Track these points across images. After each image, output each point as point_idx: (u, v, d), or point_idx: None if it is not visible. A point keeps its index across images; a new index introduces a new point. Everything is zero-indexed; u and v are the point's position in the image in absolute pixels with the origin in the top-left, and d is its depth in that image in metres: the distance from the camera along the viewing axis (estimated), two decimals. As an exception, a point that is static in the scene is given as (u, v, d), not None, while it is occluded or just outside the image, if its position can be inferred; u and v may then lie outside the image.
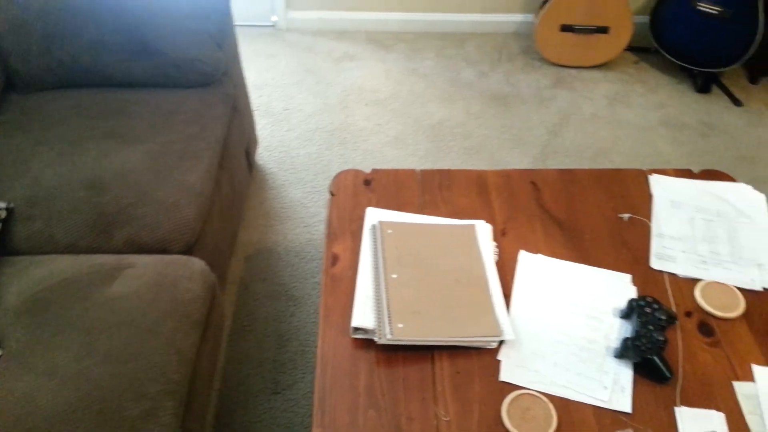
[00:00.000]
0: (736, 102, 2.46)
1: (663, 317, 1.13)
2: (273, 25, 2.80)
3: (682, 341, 1.15)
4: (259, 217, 1.97)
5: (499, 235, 1.33)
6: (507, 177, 1.47)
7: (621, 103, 2.46)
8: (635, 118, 2.39)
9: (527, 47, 2.73)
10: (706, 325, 1.18)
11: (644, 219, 1.38)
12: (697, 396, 1.08)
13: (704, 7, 2.33)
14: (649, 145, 2.28)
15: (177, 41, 1.57)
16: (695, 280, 1.25)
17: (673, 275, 1.27)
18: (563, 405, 1.05)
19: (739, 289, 1.24)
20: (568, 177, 1.48)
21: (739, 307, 1.20)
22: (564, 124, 2.36)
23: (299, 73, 2.56)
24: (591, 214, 1.39)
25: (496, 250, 1.29)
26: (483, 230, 1.31)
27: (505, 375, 1.09)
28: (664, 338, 1.10)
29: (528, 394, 1.06)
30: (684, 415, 1.04)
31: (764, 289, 1.24)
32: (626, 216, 1.39)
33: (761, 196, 1.43)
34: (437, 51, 2.71)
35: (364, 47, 2.71)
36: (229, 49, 1.69)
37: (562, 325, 1.17)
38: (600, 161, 2.21)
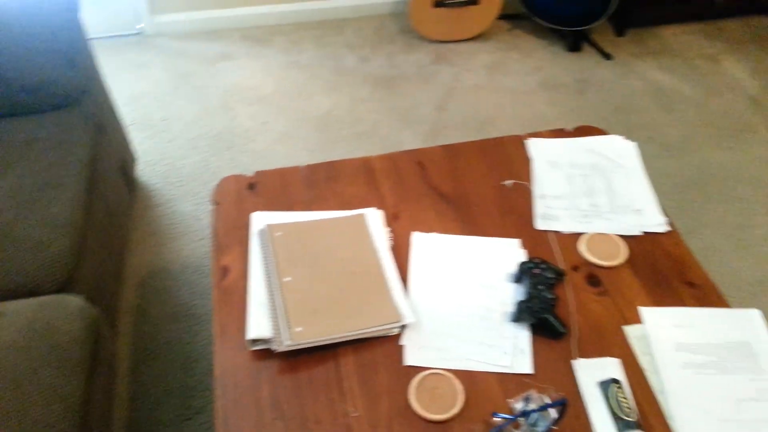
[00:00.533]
0: (607, 56, 2.58)
1: (551, 275, 1.17)
2: (140, 33, 2.66)
3: (573, 295, 1.19)
4: (149, 237, 1.87)
5: (391, 220, 1.33)
6: (393, 160, 1.47)
7: (500, 71, 2.52)
8: (515, 84, 2.46)
9: (405, 27, 2.74)
10: (594, 277, 1.23)
11: (526, 183, 1.41)
12: (593, 346, 1.12)
13: (563, -30, 2.41)
14: (531, 108, 2.35)
15: (24, 64, 1.45)
16: (579, 235, 1.30)
17: (558, 233, 1.31)
18: (469, 377, 1.06)
19: (620, 236, 1.29)
20: (452, 152, 1.49)
21: (622, 254, 1.26)
22: (449, 99, 2.39)
23: (174, 79, 2.45)
24: (477, 186, 1.41)
25: (390, 235, 1.29)
26: (374, 217, 1.30)
27: (410, 359, 1.09)
28: (554, 296, 1.14)
29: (433, 373, 1.06)
30: (581, 366, 1.08)
31: (643, 233, 1.30)
32: (509, 182, 1.42)
33: (632, 144, 1.51)
34: (316, 40, 2.67)
35: (239, 45, 2.63)
36: (85, 66, 1.58)
37: (459, 298, 1.18)
38: (487, 130, 2.26)
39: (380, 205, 1.35)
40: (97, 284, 1.32)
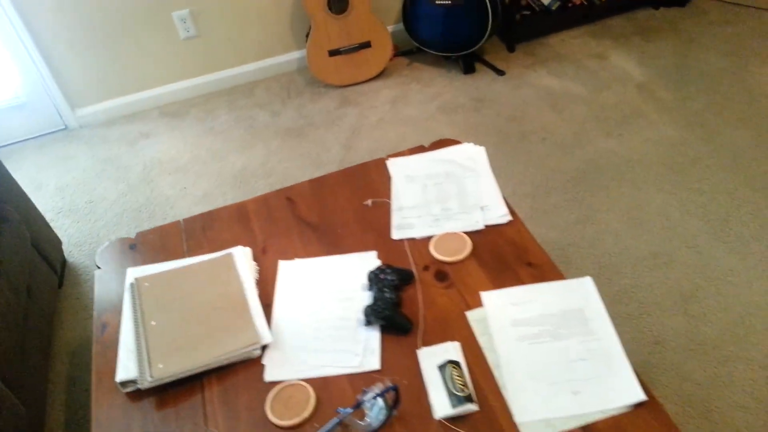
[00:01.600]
0: (500, 72, 2.73)
1: (395, 278, 1.27)
2: (65, 128, 2.83)
3: (421, 292, 1.28)
4: (79, 311, 1.97)
5: (260, 254, 1.43)
6: (265, 201, 1.58)
7: (402, 103, 2.67)
8: (416, 113, 2.60)
9: (311, 79, 2.91)
10: (441, 273, 1.33)
11: (386, 200, 1.53)
12: (437, 335, 1.20)
13: (440, 2, 2.59)
14: (432, 132, 2.48)
15: None
16: (431, 238, 1.40)
17: (412, 239, 1.41)
18: (323, 383, 1.15)
19: (466, 233, 1.40)
20: (319, 184, 1.61)
21: (467, 249, 1.36)
22: (355, 137, 2.53)
23: (98, 165, 2.60)
24: (341, 210, 1.52)
25: (257, 268, 1.39)
26: (241, 255, 1.40)
27: (269, 375, 1.18)
28: (396, 296, 1.23)
29: (289, 385, 1.15)
30: (424, 354, 1.17)
31: (486, 226, 1.41)
32: (369, 202, 1.53)
33: (481, 149, 1.63)
34: (229, 105, 2.83)
35: (157, 122, 2.79)
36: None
37: (318, 313, 1.27)
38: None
39: (250, 243, 1.46)
40: (20, 373, 1.41)
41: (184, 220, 1.56)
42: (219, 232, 1.50)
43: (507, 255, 1.34)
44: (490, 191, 1.49)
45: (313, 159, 2.45)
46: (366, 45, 2.70)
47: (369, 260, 1.38)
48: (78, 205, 2.41)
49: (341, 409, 1.07)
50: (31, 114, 2.73)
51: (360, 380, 1.15)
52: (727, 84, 2.49)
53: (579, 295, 1.24)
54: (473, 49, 2.66)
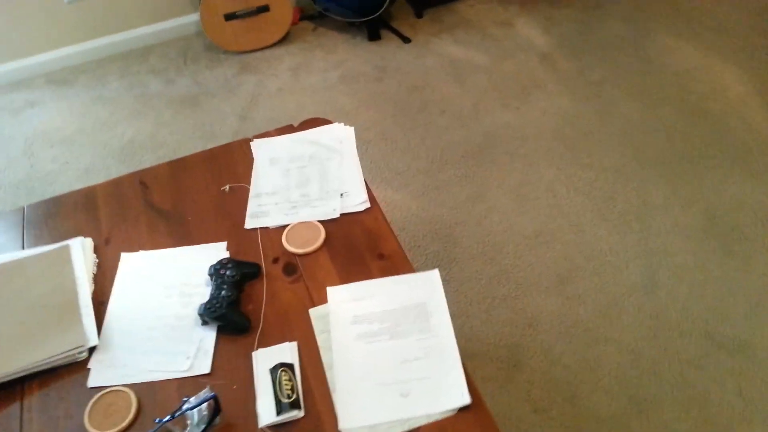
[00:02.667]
0: (405, 40, 2.65)
1: (235, 273, 1.21)
2: (-58, 95, 2.62)
3: (266, 288, 1.23)
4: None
5: (102, 246, 1.34)
6: (117, 185, 1.48)
7: (304, 71, 2.56)
8: (317, 82, 2.50)
9: (210, 44, 2.76)
10: (291, 266, 1.27)
11: (245, 185, 1.45)
12: (277, 334, 1.15)
13: (341, -37, 2.47)
14: (330, 103, 2.40)
15: None
16: (286, 227, 1.34)
17: (265, 229, 1.35)
18: (148, 389, 1.09)
19: (321, 222, 1.34)
20: (178, 166, 1.52)
21: (320, 239, 1.30)
22: (253, 106, 2.42)
23: (-25, 136, 2.42)
24: (197, 197, 1.43)
25: (96, 261, 1.31)
26: (79, 247, 1.31)
27: (93, 380, 1.11)
28: (234, 293, 1.17)
29: (111, 391, 1.09)
30: (259, 356, 1.12)
31: (341, 215, 1.35)
32: (227, 187, 1.45)
33: (350, 130, 1.56)
34: (121, 71, 2.67)
35: (44, 90, 2.61)
36: None
37: (156, 311, 1.21)
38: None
39: (94, 233, 1.36)
40: None
41: (28, 206, 1.45)
42: (62, 221, 1.41)
43: (360, 246, 1.30)
44: (353, 176, 1.43)
45: (206, 131, 2.34)
46: (264, 9, 2.57)
47: (218, 252, 1.31)
48: (-51, 182, 2.25)
49: (159, 419, 1.02)
50: None
51: (189, 385, 1.10)
52: (626, 54, 2.47)
53: (424, 289, 1.21)
54: (375, 15, 2.56)
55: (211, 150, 1.57)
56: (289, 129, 1.61)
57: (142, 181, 1.49)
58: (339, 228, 1.34)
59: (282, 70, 2.58)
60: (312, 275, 1.26)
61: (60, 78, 2.67)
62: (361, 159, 2.05)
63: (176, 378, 1.11)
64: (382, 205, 1.98)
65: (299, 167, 1.48)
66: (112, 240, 1.36)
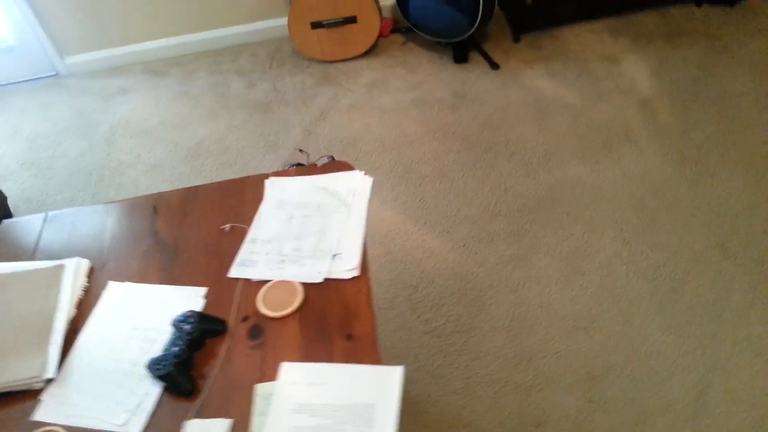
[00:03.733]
0: (494, 66, 2.46)
1: (193, 330, 1.16)
2: (56, 74, 2.84)
3: (225, 350, 1.17)
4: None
5: (98, 269, 1.36)
6: (132, 206, 1.50)
7: (380, 89, 2.47)
8: (390, 102, 2.40)
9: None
10: (257, 328, 1.20)
11: (245, 226, 1.40)
12: (218, 406, 1.10)
13: (432, -20, 2.33)
14: (397, 128, 2.29)
15: None
16: (267, 283, 1.27)
17: (248, 281, 1.29)
18: (83, 436, 1.08)
19: (303, 284, 1.25)
20: (191, 195, 1.50)
21: (295, 303, 1.22)
22: (321, 121, 2.38)
23: (71, 117, 2.60)
24: (198, 232, 1.41)
25: (86, 286, 1.32)
26: (73, 268, 1.33)
27: (40, 414, 1.12)
28: (186, 351, 1.13)
29: (47, 430, 1.09)
30: (189, 428, 1.07)
31: (325, 279, 1.26)
32: (228, 227, 1.41)
33: (369, 181, 1.45)
34: (211, 68, 2.73)
35: (138, 79, 2.74)
36: None
37: (116, 352, 1.19)
38: (347, 154, 2.23)
39: (96, 254, 1.38)
40: None
41: (50, 213, 1.50)
42: (73, 235, 1.44)
43: (333, 320, 1.20)
44: (353, 235, 1.33)
45: (270, 140, 2.33)
46: (351, 20, 2.49)
47: (194, 298, 1.27)
48: (41, 159, 2.43)
49: (73, 476, 1.00)
50: (21, 58, 2.75)
51: (117, 442, 1.07)
52: (744, 115, 2.11)
53: (380, 388, 1.09)
54: (462, 38, 2.39)
55: (226, 182, 1.53)
56: (311, 168, 1.53)
57: (154, 205, 1.49)
58: (319, 294, 1.24)
59: (358, 85, 2.50)
60: (274, 344, 1.18)
61: (155, 68, 2.78)
62: (412, 195, 1.95)
63: (108, 430, 1.09)
64: (418, 251, 1.86)
65: (303, 216, 1.40)
66: (108, 264, 1.37)
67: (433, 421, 1.50)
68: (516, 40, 2.55)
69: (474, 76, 2.44)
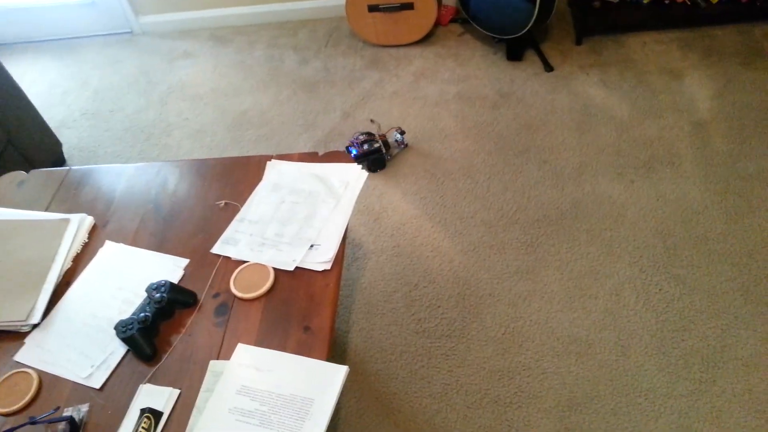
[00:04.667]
0: (548, 67, 2.36)
1: (161, 300, 1.22)
2: (131, 32, 2.99)
3: (192, 323, 1.23)
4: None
5: (101, 227, 1.45)
6: (145, 170, 1.57)
7: (426, 79, 2.44)
8: (433, 94, 2.37)
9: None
10: (225, 306, 1.25)
11: (238, 204, 1.44)
12: (172, 375, 1.16)
13: (492, -27, 2.26)
14: (434, 120, 2.26)
15: None
16: (244, 263, 1.31)
17: (227, 259, 1.33)
18: (53, 381, 1.17)
19: (276, 269, 1.28)
20: (200, 167, 1.56)
21: (264, 288, 1.25)
22: (361, 105, 2.38)
23: (136, 75, 2.74)
24: (196, 203, 1.47)
25: (85, 241, 1.41)
26: (76, 224, 1.43)
27: (20, 356, 1.22)
28: (150, 318, 1.19)
29: (21, 372, 1.19)
30: (143, 391, 1.13)
31: (298, 268, 1.28)
32: (222, 203, 1.45)
33: (363, 176, 1.45)
34: (270, 41, 2.79)
35: (203, 44, 2.84)
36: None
37: (96, 309, 1.28)
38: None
39: (102, 212, 1.47)
40: None
41: (72, 169, 1.60)
42: (87, 192, 1.53)
43: (294, 310, 1.22)
44: (335, 228, 1.34)
45: (308, 119, 2.37)
46: (409, 6, 2.46)
47: (175, 268, 1.33)
48: (101, 111, 2.59)
49: (34, 417, 1.09)
50: (100, 13, 2.92)
51: (80, 392, 1.15)
52: (813, 149, 1.92)
53: (322, 384, 1.10)
54: (517, 35, 2.31)
55: (233, 158, 1.58)
56: (313, 156, 1.54)
57: (162, 172, 1.56)
58: (289, 282, 1.27)
59: (406, 73, 2.48)
60: (237, 324, 1.22)
61: (221, 35, 2.87)
62: (433, 191, 1.94)
63: (73, 381, 1.17)
64: (427, 249, 1.84)
65: (293, 202, 1.42)
66: (110, 223, 1.45)
67: (404, 420, 1.50)
68: (578, 42, 2.44)
69: (524, 76, 2.36)
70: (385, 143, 2.08)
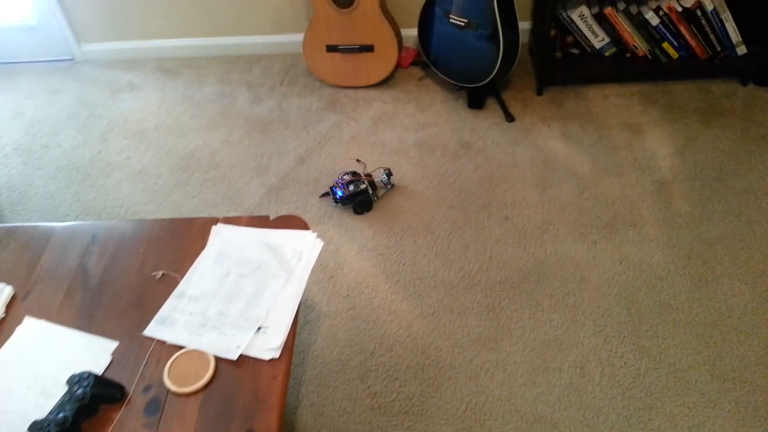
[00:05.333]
0: (509, 117, 2.31)
1: (83, 396, 1.06)
2: (72, 59, 2.81)
3: (116, 423, 1.08)
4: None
5: (21, 298, 1.28)
6: (74, 232, 1.42)
7: (385, 124, 2.35)
8: (392, 140, 2.28)
9: (313, 67, 2.64)
10: (156, 402, 1.10)
11: (177, 276, 1.30)
12: (90, 485, 1.00)
13: (455, 19, 2.19)
14: (395, 169, 2.17)
15: None
16: (182, 348, 1.17)
17: (163, 343, 1.19)
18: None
19: (217, 357, 1.15)
20: (135, 229, 1.41)
21: (201, 381, 1.11)
22: (317, 150, 2.27)
23: (75, 107, 2.56)
24: (129, 273, 1.32)
25: (2, 316, 1.24)
26: (-7, 295, 1.26)
27: None
28: (68, 419, 1.03)
29: None
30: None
31: (242, 356, 1.15)
32: (159, 274, 1.31)
33: (318, 246, 1.33)
34: (222, 76, 2.66)
35: (149, 76, 2.68)
36: None
37: (11, 401, 1.11)
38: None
39: (23, 280, 1.31)
40: None
41: (7, 227, 1.43)
42: (9, 254, 1.37)
43: (238, 406, 1.09)
44: (285, 308, 1.22)
45: (261, 164, 2.24)
46: (368, 48, 2.38)
47: (102, 352, 1.18)
48: (34, 147, 2.39)
49: None
50: (39, 38, 2.73)
51: None
52: (764, 216, 1.92)
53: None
54: (479, 85, 2.25)
55: (175, 220, 1.44)
56: (263, 220, 1.42)
57: (94, 235, 1.40)
58: (230, 372, 1.13)
59: (365, 117, 2.39)
60: (169, 425, 1.07)
61: (169, 67, 2.72)
62: (392, 247, 1.83)
63: (-29, 495, 1.00)
64: (384, 312, 1.73)
65: (239, 275, 1.29)
66: (31, 293, 1.29)
67: None
68: (539, 92, 2.40)
69: (486, 125, 2.30)
70: (372, 183, 1.98)
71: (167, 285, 1.29)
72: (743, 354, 1.58)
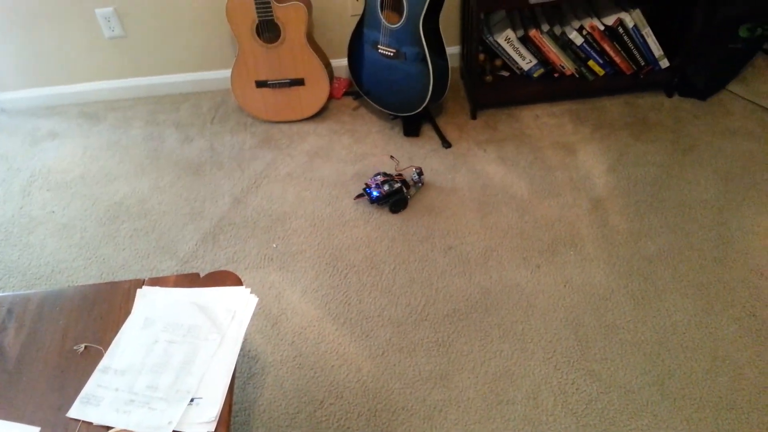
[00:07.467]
0: (445, 143, 2.30)
1: (-4, 499, 0.96)
2: (-14, 108, 2.66)
3: None
4: None
5: (-75, 388, 1.16)
6: (-14, 306, 1.30)
7: (321, 158, 2.30)
8: (330, 175, 2.23)
9: (245, 103, 2.58)
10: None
11: (101, 348, 1.21)
12: None
13: (383, 50, 2.18)
14: (333, 204, 2.12)
15: None
16: (109, 429, 1.08)
17: (89, 425, 1.09)
18: None
19: (148, 436, 1.06)
20: (55, 299, 1.31)
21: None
22: (253, 190, 2.20)
23: (-9, 160, 2.41)
24: (49, 348, 1.22)
25: None
26: None
27: None
28: None
29: None
30: None
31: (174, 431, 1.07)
32: (81, 347, 1.22)
33: (253, 302, 1.27)
34: (149, 117, 2.56)
35: (71, 122, 2.56)
36: None
37: None
38: (275, 231, 2.04)
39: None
40: None
41: None
42: None
43: (170, 491, 1.00)
44: (218, 375, 1.14)
45: (195, 208, 2.15)
46: (299, 82, 2.33)
47: (20, 442, 1.07)
48: (-54, 205, 2.23)
49: None
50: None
51: None
52: (701, 226, 1.96)
53: None
54: (411, 113, 2.24)
55: (95, 286, 1.34)
56: (193, 278, 1.34)
57: (10, 309, 1.30)
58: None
59: (300, 152, 2.34)
60: None
61: (92, 111, 2.61)
62: (336, 287, 1.77)
63: None
64: (332, 356, 1.67)
65: (168, 341, 1.21)
66: (-68, 383, 1.17)
67: None
68: (473, 116, 2.41)
69: (423, 153, 2.29)
70: (405, 182, 1.99)
71: (91, 359, 1.20)
72: (690, 369, 1.60)
